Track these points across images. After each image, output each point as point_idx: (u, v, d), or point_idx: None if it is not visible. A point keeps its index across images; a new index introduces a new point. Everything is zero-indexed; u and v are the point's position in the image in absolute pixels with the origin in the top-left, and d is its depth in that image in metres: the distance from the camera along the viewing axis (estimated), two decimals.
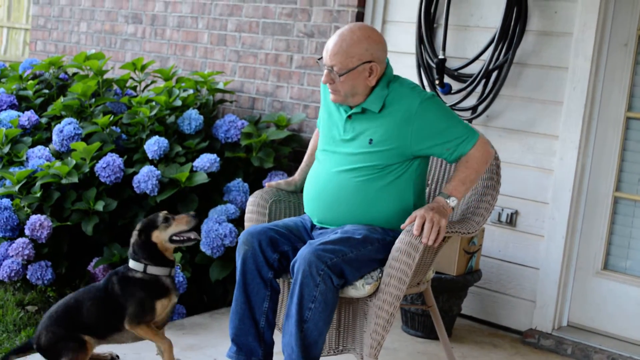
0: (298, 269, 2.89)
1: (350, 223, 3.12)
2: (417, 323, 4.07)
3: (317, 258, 2.87)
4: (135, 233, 3.20)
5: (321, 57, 3.13)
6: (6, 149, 4.51)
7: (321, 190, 3.17)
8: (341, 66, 3.03)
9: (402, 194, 3.11)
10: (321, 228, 3.22)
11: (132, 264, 3.18)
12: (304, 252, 2.91)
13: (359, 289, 2.98)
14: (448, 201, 3.04)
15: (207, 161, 4.31)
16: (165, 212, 3.24)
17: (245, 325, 3.08)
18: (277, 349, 3.17)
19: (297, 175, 3.57)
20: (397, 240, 3.01)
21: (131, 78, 5.10)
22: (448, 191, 3.07)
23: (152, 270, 3.16)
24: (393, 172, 3.10)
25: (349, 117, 3.15)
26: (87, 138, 4.43)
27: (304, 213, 3.38)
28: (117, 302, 3.13)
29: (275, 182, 3.52)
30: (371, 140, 3.08)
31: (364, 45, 3.04)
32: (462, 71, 4.36)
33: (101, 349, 3.29)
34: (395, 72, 3.19)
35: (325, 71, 3.07)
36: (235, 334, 3.09)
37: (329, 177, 3.16)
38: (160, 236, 3.18)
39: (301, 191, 3.59)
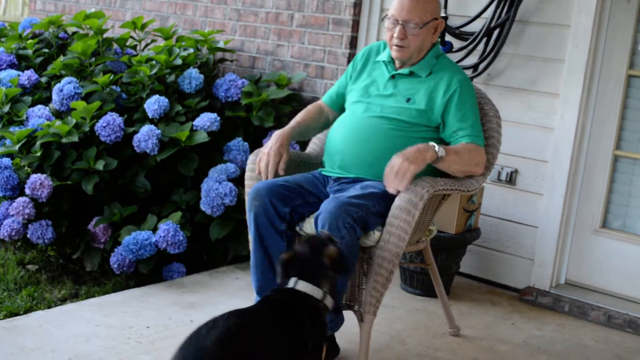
0: (324, 221, 2.92)
1: (371, 170, 3.17)
2: (416, 281, 4.09)
3: (344, 212, 2.92)
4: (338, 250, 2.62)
5: (385, 16, 3.27)
6: (6, 109, 4.50)
7: (350, 132, 3.24)
8: (419, 20, 3.18)
9: None
10: (338, 180, 3.24)
11: (314, 290, 2.56)
12: (329, 205, 2.95)
13: (370, 235, 3.02)
14: (436, 148, 3.06)
15: (207, 120, 4.30)
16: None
17: (267, 277, 3.12)
18: None
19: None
20: (396, 198, 3.03)
21: (131, 37, 5.07)
22: (444, 146, 3.12)
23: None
24: (419, 132, 3.20)
25: (393, 76, 3.28)
26: (87, 97, 4.41)
27: (309, 171, 3.41)
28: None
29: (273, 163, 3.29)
30: (409, 99, 3.22)
31: (434, 2, 3.26)
32: (464, 29, 4.34)
33: None
34: None
35: (398, 27, 3.18)
36: (260, 286, 3.13)
37: (360, 120, 3.25)
38: None
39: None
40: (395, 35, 3.20)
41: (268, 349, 2.32)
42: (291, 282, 2.56)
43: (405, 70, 3.26)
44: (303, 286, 2.54)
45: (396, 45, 3.22)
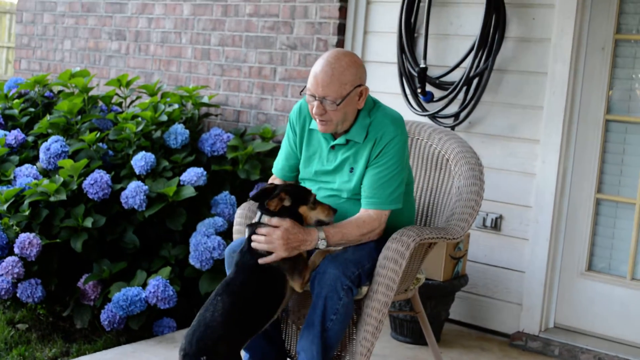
0: (323, 283, 2.92)
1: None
2: (406, 329, 4.11)
3: (342, 274, 2.91)
4: (284, 195, 2.96)
5: (304, 88, 3.07)
6: None
7: None
8: (336, 95, 2.96)
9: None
10: None
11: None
12: (327, 268, 2.93)
13: (360, 289, 3.03)
14: (319, 242, 2.96)
15: (194, 175, 4.34)
16: (314, 195, 3.03)
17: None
18: None
19: None
20: (384, 248, 3.05)
21: (116, 94, 5.13)
22: (328, 233, 2.99)
23: None
24: None
25: (332, 147, 3.13)
26: (74, 155, 4.45)
27: None
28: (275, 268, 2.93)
29: None
30: (352, 169, 3.09)
31: (352, 70, 3.00)
32: (444, 79, 4.42)
33: None
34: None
35: (316, 103, 2.99)
36: None
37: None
38: (305, 212, 2.98)
39: None
40: (314, 111, 3.01)
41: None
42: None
43: (341, 140, 3.09)
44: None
45: (318, 120, 3.04)
